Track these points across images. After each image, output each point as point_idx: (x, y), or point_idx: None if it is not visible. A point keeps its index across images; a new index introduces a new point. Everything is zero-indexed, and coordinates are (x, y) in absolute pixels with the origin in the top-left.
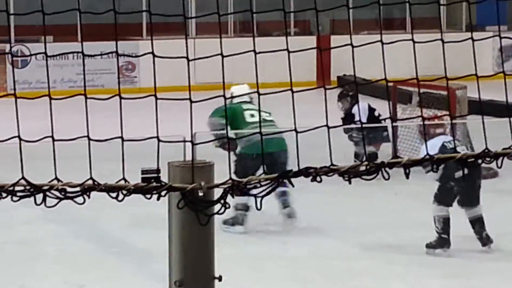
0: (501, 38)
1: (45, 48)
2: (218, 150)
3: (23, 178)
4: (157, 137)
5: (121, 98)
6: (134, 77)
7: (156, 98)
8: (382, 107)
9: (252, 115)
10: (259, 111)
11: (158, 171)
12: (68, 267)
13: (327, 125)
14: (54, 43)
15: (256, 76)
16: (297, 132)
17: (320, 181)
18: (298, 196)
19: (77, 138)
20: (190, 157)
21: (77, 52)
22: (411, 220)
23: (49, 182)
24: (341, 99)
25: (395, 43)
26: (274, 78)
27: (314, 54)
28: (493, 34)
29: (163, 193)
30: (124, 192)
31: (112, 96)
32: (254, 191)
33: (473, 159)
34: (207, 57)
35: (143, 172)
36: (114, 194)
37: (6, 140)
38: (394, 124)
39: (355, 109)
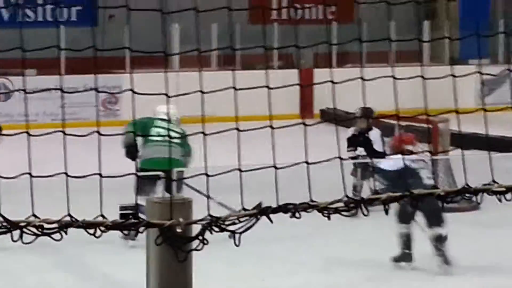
0: (482, 74)
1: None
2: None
3: (0, 214)
4: (135, 173)
5: (100, 134)
6: (117, 110)
7: (135, 135)
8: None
9: (158, 133)
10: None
11: (136, 207)
12: None
13: (306, 162)
14: (38, 76)
15: (236, 110)
16: (276, 168)
17: (299, 217)
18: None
19: (55, 174)
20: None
21: (55, 89)
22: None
23: (26, 218)
24: (360, 118)
25: (377, 75)
26: (258, 111)
27: (297, 88)
28: (475, 67)
29: (141, 229)
30: (102, 228)
31: (91, 133)
32: (233, 227)
33: (453, 195)
34: (186, 94)
35: (121, 208)
36: (91, 231)
37: None
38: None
39: (373, 135)
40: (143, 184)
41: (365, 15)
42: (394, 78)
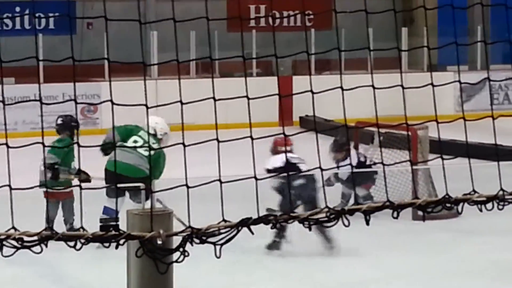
0: (461, 83)
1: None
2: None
3: None
4: (116, 185)
5: (79, 146)
6: (96, 118)
7: (114, 146)
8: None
9: (135, 141)
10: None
11: (116, 219)
12: None
13: (287, 172)
14: (16, 85)
15: (216, 119)
16: (256, 179)
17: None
18: None
19: (35, 187)
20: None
21: (35, 100)
22: None
23: (6, 231)
24: (336, 151)
25: (357, 83)
26: (237, 118)
27: (276, 96)
28: (454, 74)
29: (121, 241)
30: (82, 241)
31: (68, 145)
32: (213, 239)
33: (433, 205)
34: (165, 105)
35: (102, 220)
36: (71, 243)
37: None
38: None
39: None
40: (111, 188)
41: (343, 21)
42: (374, 87)
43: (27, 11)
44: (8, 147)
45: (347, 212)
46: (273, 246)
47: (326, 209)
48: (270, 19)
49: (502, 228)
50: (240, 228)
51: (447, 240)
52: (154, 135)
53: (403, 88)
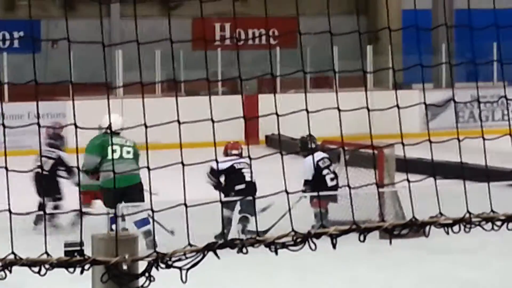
0: (426, 105)
1: None
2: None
3: None
4: (80, 209)
5: (42, 169)
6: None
7: (79, 170)
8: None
9: (115, 151)
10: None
11: (81, 244)
12: None
13: (253, 196)
14: None
15: (180, 139)
16: (222, 203)
17: (246, 253)
18: None
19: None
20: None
21: None
22: None
23: None
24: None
25: (324, 101)
26: (202, 137)
27: (242, 113)
28: (419, 92)
29: (86, 266)
30: (47, 266)
31: (33, 169)
32: (179, 264)
33: (401, 228)
34: (131, 128)
35: (66, 245)
36: (36, 269)
37: None
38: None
39: (306, 162)
40: (110, 200)
41: (308, 40)
42: (339, 110)
43: None
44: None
45: (314, 236)
46: (220, 236)
47: (293, 233)
48: (235, 39)
49: (469, 247)
50: (206, 252)
51: (414, 259)
52: (118, 134)
53: (369, 110)
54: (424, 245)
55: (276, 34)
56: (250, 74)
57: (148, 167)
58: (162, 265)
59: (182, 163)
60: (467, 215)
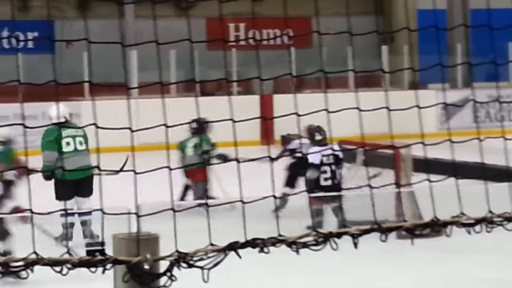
0: (446, 105)
1: None
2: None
3: None
4: (101, 209)
5: (51, 178)
6: None
7: (100, 170)
8: None
9: (68, 143)
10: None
11: (102, 243)
12: None
13: (273, 195)
14: None
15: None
16: (243, 202)
17: (268, 252)
18: None
19: (18, 212)
20: (135, 229)
21: (18, 124)
22: None
23: None
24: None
25: (339, 101)
26: (219, 137)
27: (258, 113)
28: (435, 92)
29: (108, 266)
30: (69, 266)
31: (49, 176)
32: (201, 263)
33: (422, 228)
34: (149, 128)
35: (88, 245)
36: (58, 268)
37: None
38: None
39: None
40: (62, 191)
41: (323, 40)
42: (359, 110)
43: (5, 30)
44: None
45: (335, 235)
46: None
47: (314, 233)
48: (251, 39)
49: (487, 247)
50: (227, 252)
51: (432, 259)
52: (67, 122)
53: (389, 110)
54: (441, 245)
55: (291, 34)
56: (265, 74)
57: (169, 167)
58: (184, 265)
59: (203, 163)
60: (489, 214)
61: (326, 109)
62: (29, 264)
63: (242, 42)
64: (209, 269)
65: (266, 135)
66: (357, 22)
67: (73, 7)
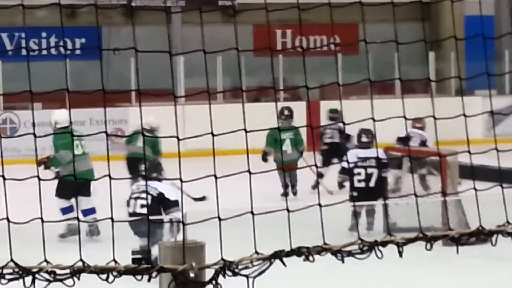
0: (493, 114)
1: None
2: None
3: (11, 260)
4: (147, 216)
5: (110, 178)
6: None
7: (147, 178)
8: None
9: (77, 146)
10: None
11: (148, 251)
12: None
13: (319, 204)
14: (43, 110)
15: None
16: (288, 211)
17: (313, 261)
18: None
19: (66, 220)
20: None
21: (69, 133)
22: None
23: (39, 264)
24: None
25: (385, 108)
26: (263, 143)
27: (304, 120)
28: (482, 98)
29: (153, 274)
30: (115, 273)
31: (99, 178)
32: (246, 271)
33: (467, 237)
34: (197, 137)
35: (134, 252)
36: (104, 276)
37: None
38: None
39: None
40: (65, 189)
41: (370, 46)
42: (405, 118)
43: (53, 37)
44: (39, 180)
45: (380, 244)
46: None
47: (359, 241)
48: (299, 45)
49: None
50: (273, 260)
51: (478, 266)
52: (67, 127)
53: (435, 118)
54: (487, 252)
55: (338, 41)
56: (311, 80)
57: (215, 176)
58: (229, 273)
59: (249, 171)
60: None
61: (372, 118)
62: (76, 272)
63: (289, 48)
64: (254, 277)
65: (313, 141)
66: (404, 28)
67: (121, 13)
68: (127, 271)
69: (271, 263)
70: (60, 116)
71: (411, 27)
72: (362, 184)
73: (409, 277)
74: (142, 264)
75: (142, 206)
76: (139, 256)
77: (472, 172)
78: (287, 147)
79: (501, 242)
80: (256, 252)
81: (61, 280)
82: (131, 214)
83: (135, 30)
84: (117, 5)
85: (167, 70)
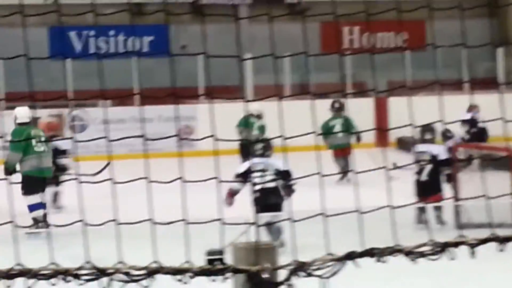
0: None
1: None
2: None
3: (88, 262)
4: (221, 219)
5: (184, 181)
6: (193, 140)
7: (219, 180)
8: None
9: (36, 145)
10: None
11: (222, 252)
12: None
13: (390, 205)
14: (112, 108)
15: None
16: (360, 212)
17: (384, 262)
18: None
19: (140, 221)
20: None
21: (138, 136)
22: None
23: (114, 265)
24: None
25: (451, 103)
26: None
27: (372, 115)
28: None
29: (227, 275)
30: (190, 274)
31: (172, 180)
32: (319, 272)
33: None
34: (272, 139)
35: (208, 253)
36: (179, 277)
37: (70, 224)
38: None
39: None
40: (30, 187)
41: (437, 42)
42: (472, 119)
43: (121, 35)
44: (114, 182)
45: (452, 245)
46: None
47: (431, 242)
48: (365, 40)
49: None
50: (345, 261)
51: None
52: (29, 123)
53: (505, 121)
54: None
55: (406, 37)
56: (380, 76)
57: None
58: (302, 274)
59: (320, 173)
60: None
61: (440, 120)
62: (151, 272)
63: (356, 45)
64: (327, 278)
65: (381, 138)
66: (471, 24)
67: (187, 11)
68: (201, 272)
69: (344, 264)
70: (19, 111)
71: (478, 24)
72: (415, 177)
73: (478, 274)
74: (216, 265)
75: (270, 180)
76: (214, 256)
77: None
78: (337, 133)
79: None
80: (329, 253)
81: (136, 281)
82: (259, 191)
83: (201, 28)
84: (185, 3)
85: (236, 67)
